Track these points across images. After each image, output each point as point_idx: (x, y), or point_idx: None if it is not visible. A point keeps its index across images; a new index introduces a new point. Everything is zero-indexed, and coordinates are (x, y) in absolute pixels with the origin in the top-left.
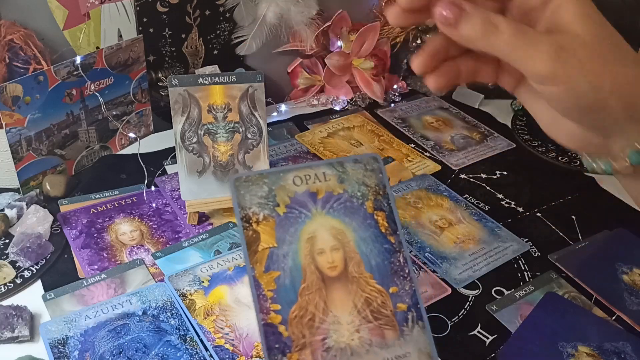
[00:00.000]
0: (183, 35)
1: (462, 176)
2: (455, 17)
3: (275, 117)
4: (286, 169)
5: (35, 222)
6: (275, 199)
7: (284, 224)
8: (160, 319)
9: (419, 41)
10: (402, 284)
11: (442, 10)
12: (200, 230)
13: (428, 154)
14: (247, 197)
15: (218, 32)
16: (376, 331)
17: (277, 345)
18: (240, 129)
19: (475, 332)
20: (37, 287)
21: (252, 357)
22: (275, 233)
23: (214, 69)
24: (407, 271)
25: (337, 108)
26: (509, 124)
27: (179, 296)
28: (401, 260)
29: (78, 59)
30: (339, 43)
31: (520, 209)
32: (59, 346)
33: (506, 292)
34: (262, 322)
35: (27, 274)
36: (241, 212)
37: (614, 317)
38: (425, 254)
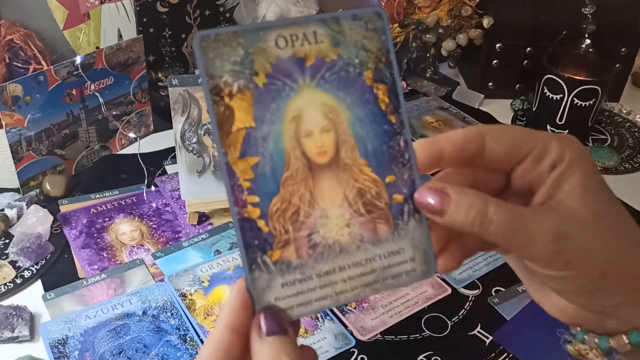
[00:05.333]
0: (183, 35)
1: None
2: (441, 204)
3: None
4: (267, 26)
5: (35, 222)
6: (253, 65)
7: (264, 99)
8: (160, 319)
9: (419, 41)
10: (400, 172)
11: (426, 198)
12: (200, 230)
13: None
14: (218, 63)
15: None
16: (368, 225)
17: (256, 242)
18: None
19: (475, 332)
20: (37, 287)
21: None
22: (253, 110)
23: None
24: (407, 157)
25: None
26: (509, 124)
27: (179, 296)
28: (401, 143)
29: (78, 59)
30: None
31: None
32: (59, 346)
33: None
34: (238, 217)
35: (27, 274)
36: (210, 82)
37: None
38: None
